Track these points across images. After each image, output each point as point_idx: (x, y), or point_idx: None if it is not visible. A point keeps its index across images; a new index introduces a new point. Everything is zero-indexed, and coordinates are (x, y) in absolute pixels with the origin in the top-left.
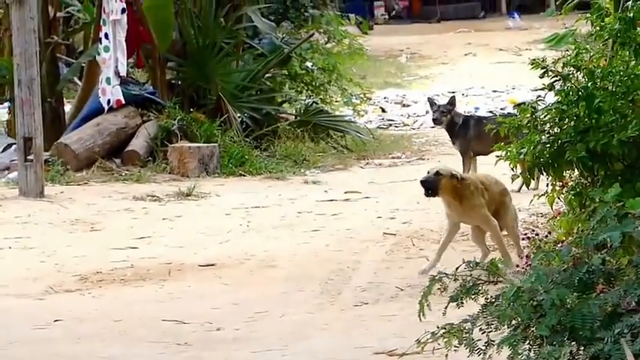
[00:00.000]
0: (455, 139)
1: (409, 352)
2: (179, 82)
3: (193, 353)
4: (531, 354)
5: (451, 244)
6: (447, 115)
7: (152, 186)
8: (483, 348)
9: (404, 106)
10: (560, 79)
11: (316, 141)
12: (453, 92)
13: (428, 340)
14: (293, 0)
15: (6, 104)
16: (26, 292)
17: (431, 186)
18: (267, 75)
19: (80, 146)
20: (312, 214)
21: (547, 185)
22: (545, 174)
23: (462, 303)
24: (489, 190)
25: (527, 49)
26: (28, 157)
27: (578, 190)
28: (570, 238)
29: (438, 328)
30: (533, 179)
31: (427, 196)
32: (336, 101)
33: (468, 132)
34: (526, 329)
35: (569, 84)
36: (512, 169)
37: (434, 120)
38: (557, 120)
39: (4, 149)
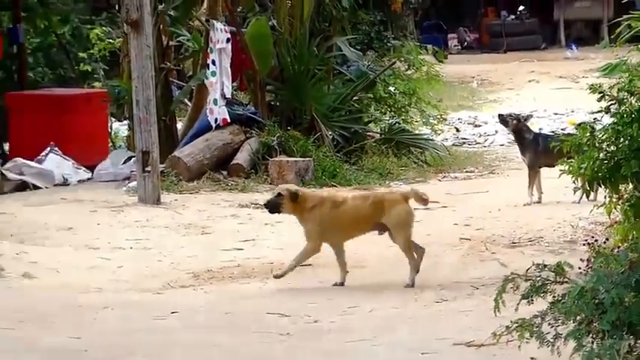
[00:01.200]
0: (525, 153)
1: (486, 343)
2: (277, 104)
3: (293, 342)
4: (594, 346)
5: (520, 249)
6: (514, 121)
7: (255, 195)
8: (552, 340)
9: (475, 126)
10: (615, 103)
11: (399, 156)
12: (519, 114)
13: (502, 332)
14: (377, 32)
15: (126, 122)
16: (146, 287)
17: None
18: (354, 98)
19: (191, 159)
20: None
21: (605, 197)
22: (603, 187)
23: (532, 300)
24: (343, 207)
25: (583, 77)
26: (146, 169)
27: (632, 201)
28: (626, 244)
29: (511, 322)
30: (593, 191)
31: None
32: (416, 121)
33: (538, 147)
34: (589, 324)
35: (623, 107)
36: (574, 182)
37: (500, 119)
38: (613, 139)
39: (125, 161)
